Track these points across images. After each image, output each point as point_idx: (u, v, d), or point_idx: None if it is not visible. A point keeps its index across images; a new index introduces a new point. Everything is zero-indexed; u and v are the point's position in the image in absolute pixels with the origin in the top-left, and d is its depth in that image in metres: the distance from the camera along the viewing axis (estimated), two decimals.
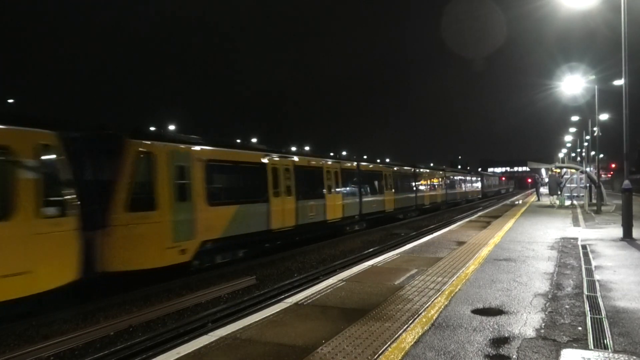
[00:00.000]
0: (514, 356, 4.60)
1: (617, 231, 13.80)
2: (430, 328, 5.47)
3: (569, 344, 4.91)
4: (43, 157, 8.73)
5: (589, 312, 6.00)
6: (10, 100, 38.41)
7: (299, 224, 17.91)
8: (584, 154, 52.32)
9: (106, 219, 10.68)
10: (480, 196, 60.49)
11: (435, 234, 15.77)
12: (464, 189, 51.47)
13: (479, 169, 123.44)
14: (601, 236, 13.96)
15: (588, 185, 35.20)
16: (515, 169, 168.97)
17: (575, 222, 18.64)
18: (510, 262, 9.65)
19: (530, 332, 5.27)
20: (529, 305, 6.34)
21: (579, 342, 4.99)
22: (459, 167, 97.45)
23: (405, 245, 13.38)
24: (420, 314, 6.03)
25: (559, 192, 32.59)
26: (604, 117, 31.83)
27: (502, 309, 6.22)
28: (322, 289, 7.57)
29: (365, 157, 38.91)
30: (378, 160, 30.79)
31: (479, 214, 27.26)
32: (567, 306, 6.33)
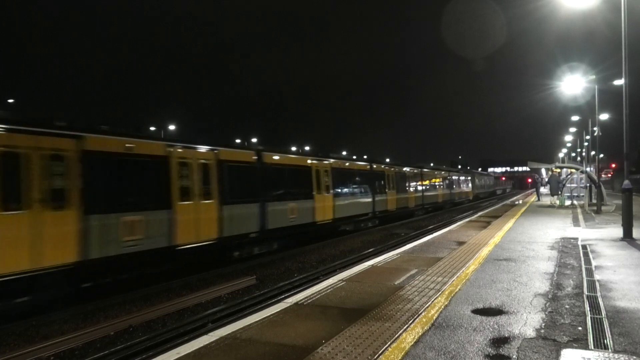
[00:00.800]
0: (514, 356, 4.60)
1: (617, 231, 13.79)
2: (430, 328, 5.47)
3: (569, 344, 4.91)
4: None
5: (589, 312, 6.00)
6: (10, 100, 38.42)
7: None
8: (584, 154, 52.32)
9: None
10: (470, 198, 54.66)
11: (435, 234, 15.76)
12: (448, 190, 44.46)
13: (479, 169, 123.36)
14: (601, 236, 13.95)
15: (588, 185, 35.19)
16: (515, 169, 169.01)
17: (575, 222, 18.64)
18: (510, 262, 9.65)
19: (530, 332, 5.26)
20: (529, 305, 6.34)
21: (579, 342, 4.99)
22: (459, 167, 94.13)
23: (405, 245, 13.38)
24: (421, 314, 6.02)
25: (559, 192, 32.60)
26: (604, 117, 31.83)
27: (502, 309, 6.21)
28: (322, 289, 7.56)
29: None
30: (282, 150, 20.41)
31: (479, 214, 27.26)
32: (567, 306, 6.33)
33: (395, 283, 7.85)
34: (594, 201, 28.31)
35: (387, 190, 28.53)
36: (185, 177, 13.19)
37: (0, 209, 9.03)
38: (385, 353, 4.73)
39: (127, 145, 11.78)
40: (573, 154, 72.97)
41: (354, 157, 34.55)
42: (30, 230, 9.37)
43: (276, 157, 18.02)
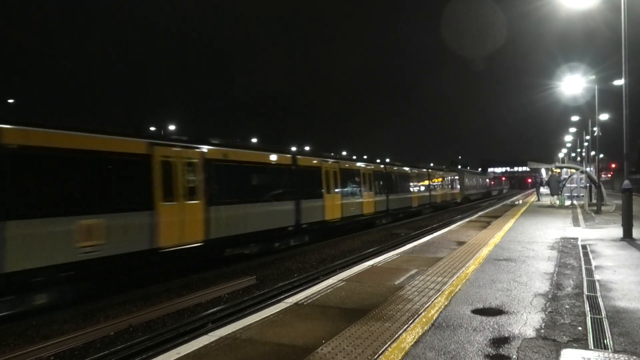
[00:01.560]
0: (514, 356, 4.60)
1: (617, 231, 13.79)
2: (430, 328, 5.47)
3: (569, 344, 4.91)
4: None
5: (589, 312, 6.00)
6: (10, 101, 38.41)
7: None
8: (584, 154, 52.29)
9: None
10: (458, 200, 47.52)
11: (435, 234, 15.77)
12: (426, 191, 36.39)
13: (479, 169, 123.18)
14: (601, 236, 13.96)
15: (588, 185, 35.19)
16: (515, 169, 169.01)
17: (575, 222, 18.64)
18: (510, 262, 9.65)
19: (530, 332, 5.27)
20: (529, 305, 6.34)
21: (579, 342, 4.99)
22: (459, 167, 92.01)
23: (405, 245, 13.38)
24: (421, 314, 6.03)
25: (559, 192, 32.61)
26: (604, 117, 31.84)
27: (502, 309, 6.21)
28: (322, 289, 7.57)
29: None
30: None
31: (479, 214, 27.26)
32: (567, 306, 6.33)
33: (395, 283, 7.85)
34: (594, 201, 28.32)
35: (362, 192, 23.50)
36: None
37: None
38: (385, 353, 4.73)
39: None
40: (573, 154, 73.00)
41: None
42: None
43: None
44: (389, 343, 5.00)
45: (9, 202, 9.13)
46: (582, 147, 56.34)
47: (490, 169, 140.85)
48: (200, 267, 13.42)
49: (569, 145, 69.36)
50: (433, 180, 38.68)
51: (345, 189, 22.15)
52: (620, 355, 4.60)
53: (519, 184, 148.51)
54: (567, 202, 31.18)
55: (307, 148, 60.79)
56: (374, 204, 25.14)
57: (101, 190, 10.96)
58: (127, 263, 11.13)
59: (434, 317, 5.86)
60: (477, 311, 6.12)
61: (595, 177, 34.24)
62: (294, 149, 26.83)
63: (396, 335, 5.22)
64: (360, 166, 24.59)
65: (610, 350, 4.75)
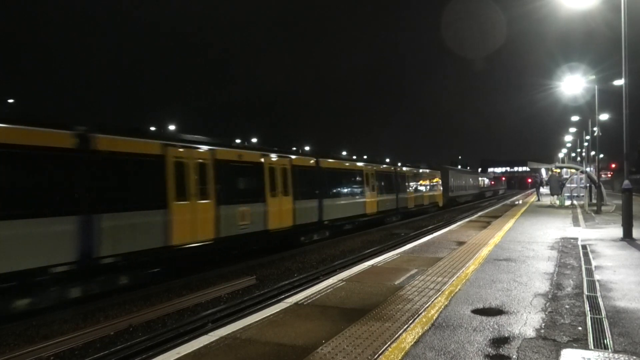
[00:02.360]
0: (514, 356, 4.60)
1: (617, 231, 13.79)
2: (430, 328, 5.47)
3: (569, 344, 4.91)
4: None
5: (589, 312, 6.00)
6: (10, 100, 38.42)
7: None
8: (584, 154, 52.32)
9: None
10: (440, 204, 39.85)
11: (435, 234, 15.77)
12: (392, 194, 28.13)
13: (479, 169, 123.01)
14: (601, 236, 13.96)
15: (588, 185, 35.20)
16: (516, 169, 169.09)
17: (575, 222, 18.64)
18: (510, 262, 9.65)
19: (530, 332, 5.27)
20: (529, 305, 6.34)
21: (579, 342, 4.99)
22: (459, 167, 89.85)
23: (405, 245, 13.38)
24: (421, 314, 6.03)
25: (560, 192, 32.62)
26: (604, 117, 31.82)
27: (502, 309, 6.21)
28: (322, 289, 7.56)
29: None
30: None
31: (479, 214, 27.26)
32: (567, 306, 6.33)
33: (395, 283, 7.85)
34: (594, 201, 28.32)
35: (283, 201, 17.26)
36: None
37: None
38: (385, 353, 4.73)
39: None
40: (573, 154, 73.06)
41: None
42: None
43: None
44: (389, 343, 5.00)
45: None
46: (582, 147, 56.41)
47: (490, 169, 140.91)
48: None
49: (569, 145, 69.44)
50: (403, 180, 30.65)
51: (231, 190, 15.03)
52: (620, 355, 4.60)
53: (519, 184, 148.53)
54: (567, 202, 31.17)
55: (306, 148, 60.69)
56: (292, 213, 17.69)
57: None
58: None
59: (434, 317, 5.86)
60: (477, 311, 6.12)
61: (595, 177, 34.26)
62: (294, 148, 27.10)
63: (396, 335, 5.22)
64: (260, 158, 16.59)
65: (610, 350, 4.75)
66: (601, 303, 6.43)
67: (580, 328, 5.42)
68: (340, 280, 8.22)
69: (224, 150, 14.86)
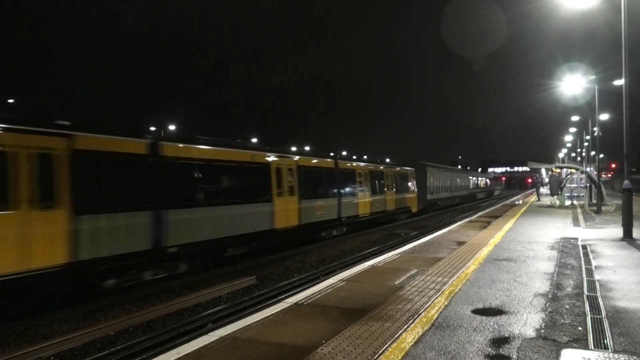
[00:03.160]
0: (514, 356, 4.60)
1: (617, 231, 13.79)
2: (430, 328, 5.47)
3: (569, 344, 4.91)
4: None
5: (589, 312, 6.00)
6: (11, 100, 38.43)
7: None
8: (584, 154, 52.30)
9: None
10: (413, 210, 31.89)
11: (435, 234, 15.76)
12: (332, 198, 21.18)
13: (479, 169, 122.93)
14: (601, 236, 13.96)
15: (588, 185, 35.21)
16: (516, 169, 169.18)
17: (576, 222, 18.65)
18: (510, 262, 9.65)
19: (530, 332, 5.27)
20: (529, 305, 6.34)
21: (579, 342, 4.99)
22: (459, 167, 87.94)
23: (405, 245, 13.38)
24: (421, 314, 6.03)
25: (560, 192, 32.62)
26: (604, 117, 31.83)
27: (502, 309, 6.21)
28: (322, 289, 7.57)
29: None
30: None
31: (479, 214, 27.26)
32: (567, 306, 6.33)
33: (395, 283, 7.85)
34: (594, 201, 28.33)
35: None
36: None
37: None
38: (385, 353, 4.73)
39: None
40: (573, 154, 73.04)
41: None
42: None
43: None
44: (389, 343, 5.00)
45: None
46: (582, 147, 56.35)
47: (490, 169, 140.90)
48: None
49: (569, 145, 69.39)
50: (348, 180, 23.03)
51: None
52: (621, 355, 4.60)
53: (519, 184, 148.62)
54: (567, 202, 31.18)
55: (306, 148, 60.65)
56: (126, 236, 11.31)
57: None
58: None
59: (434, 317, 5.86)
60: (477, 311, 6.12)
61: (595, 177, 34.26)
62: (294, 148, 27.30)
63: (396, 335, 5.22)
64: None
65: (610, 350, 4.75)
66: (601, 303, 6.43)
67: (580, 328, 5.42)
68: (340, 280, 8.22)
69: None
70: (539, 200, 38.22)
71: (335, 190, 21.64)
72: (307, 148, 59.33)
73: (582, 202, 31.03)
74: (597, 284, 7.56)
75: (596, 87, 26.45)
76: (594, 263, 9.49)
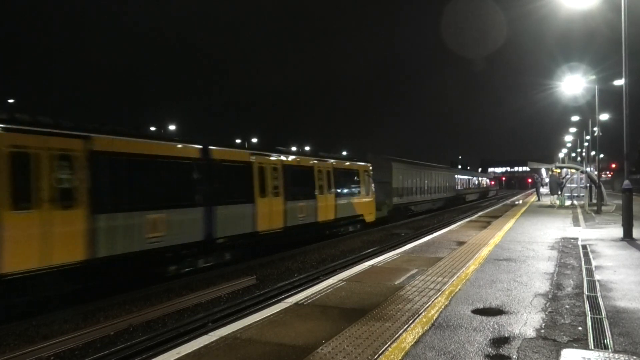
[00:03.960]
0: (514, 356, 4.60)
1: (617, 231, 13.79)
2: (430, 328, 5.47)
3: (569, 344, 4.91)
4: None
5: (589, 312, 6.00)
6: (11, 100, 38.43)
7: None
8: (584, 154, 52.30)
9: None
10: (369, 219, 24.11)
11: (435, 234, 15.76)
12: (230, 205, 14.37)
13: (479, 169, 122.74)
14: (601, 236, 13.95)
15: (588, 185, 35.21)
16: (516, 169, 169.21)
17: (576, 222, 18.64)
18: (510, 262, 9.65)
19: (530, 332, 5.26)
20: (529, 305, 6.34)
21: (579, 342, 4.99)
22: (459, 167, 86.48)
23: (405, 245, 13.38)
24: (421, 314, 6.02)
25: (559, 192, 32.61)
26: (604, 117, 31.79)
27: (503, 309, 6.21)
28: (322, 289, 7.56)
29: None
30: None
31: (479, 213, 27.24)
32: (567, 306, 6.33)
33: (396, 283, 7.85)
34: (594, 201, 28.32)
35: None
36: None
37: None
38: (386, 353, 4.73)
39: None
40: (573, 154, 73.04)
41: None
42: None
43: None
44: (389, 343, 5.00)
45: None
46: (582, 147, 56.32)
47: (490, 169, 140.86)
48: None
49: (569, 145, 69.39)
50: (239, 178, 15.65)
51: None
52: (621, 355, 4.60)
53: (519, 184, 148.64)
54: (567, 202, 31.18)
55: (307, 148, 60.45)
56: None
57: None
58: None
59: (434, 317, 5.86)
60: (477, 311, 6.12)
61: (595, 177, 34.27)
62: (294, 148, 27.04)
63: (396, 335, 5.22)
64: None
65: (610, 350, 4.75)
66: (601, 303, 6.42)
67: (580, 328, 5.42)
68: (340, 280, 8.22)
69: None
70: (539, 200, 38.19)
71: (203, 195, 13.51)
72: (307, 148, 58.93)
73: (582, 202, 31.01)
74: (597, 284, 7.56)
75: (596, 87, 26.45)
76: (594, 263, 9.49)
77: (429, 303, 6.51)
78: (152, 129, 42.26)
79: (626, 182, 13.54)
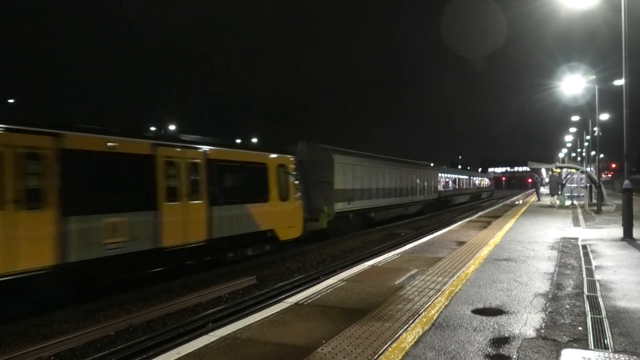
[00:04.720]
0: (514, 356, 4.60)
1: (618, 231, 13.79)
2: (430, 328, 5.47)
3: (569, 344, 4.91)
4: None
5: (589, 312, 6.00)
6: (11, 100, 38.44)
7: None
8: (584, 154, 52.29)
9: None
10: (290, 236, 16.26)
11: (435, 234, 15.76)
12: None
13: (479, 169, 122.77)
14: (601, 236, 13.95)
15: (588, 185, 35.22)
16: (516, 168, 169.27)
17: (576, 222, 18.64)
18: (510, 262, 9.65)
19: (530, 332, 5.27)
20: (529, 305, 6.34)
21: (580, 342, 4.99)
22: (459, 167, 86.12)
23: (405, 245, 13.37)
24: (421, 313, 6.03)
25: (559, 192, 32.61)
26: (604, 117, 31.79)
27: (503, 309, 6.21)
28: (323, 289, 7.56)
29: None
30: None
31: (479, 213, 27.24)
32: (567, 306, 6.33)
33: (396, 283, 7.85)
34: (594, 201, 28.31)
35: None
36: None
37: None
38: (386, 353, 4.73)
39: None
40: (573, 154, 73.02)
41: None
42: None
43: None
44: (389, 343, 5.00)
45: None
46: (582, 147, 56.32)
47: (490, 169, 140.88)
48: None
49: (569, 145, 69.40)
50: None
51: None
52: (621, 355, 4.60)
53: (519, 183, 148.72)
54: (567, 202, 31.18)
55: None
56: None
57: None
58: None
59: (434, 317, 5.86)
60: (477, 311, 6.12)
61: (595, 177, 34.25)
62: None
63: (396, 335, 5.22)
64: None
65: (610, 350, 4.75)
66: (601, 303, 6.43)
67: (580, 328, 5.42)
68: (340, 280, 8.22)
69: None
70: (539, 200, 38.18)
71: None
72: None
73: (582, 202, 31.03)
74: (598, 284, 7.56)
75: (596, 87, 26.45)
76: (594, 263, 9.49)
77: (429, 303, 6.51)
78: (152, 129, 42.22)
79: (626, 182, 13.53)
